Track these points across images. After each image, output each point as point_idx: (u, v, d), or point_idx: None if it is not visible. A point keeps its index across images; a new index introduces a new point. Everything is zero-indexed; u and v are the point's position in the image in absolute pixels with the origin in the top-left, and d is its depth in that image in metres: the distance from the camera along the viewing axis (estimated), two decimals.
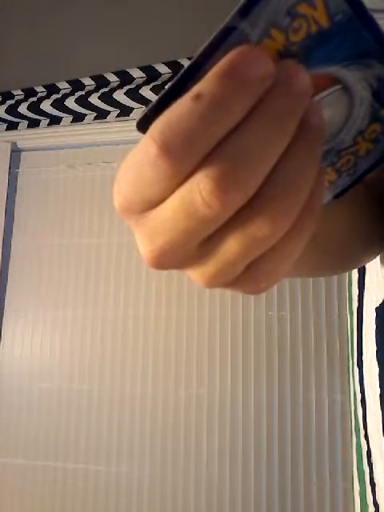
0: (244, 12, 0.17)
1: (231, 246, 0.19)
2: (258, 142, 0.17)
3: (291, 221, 0.19)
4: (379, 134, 0.23)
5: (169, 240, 0.19)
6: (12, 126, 1.63)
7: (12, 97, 1.60)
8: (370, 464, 0.85)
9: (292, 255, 0.21)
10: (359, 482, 1.06)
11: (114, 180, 0.20)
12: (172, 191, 0.18)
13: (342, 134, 0.23)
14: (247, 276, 0.21)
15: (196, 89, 0.17)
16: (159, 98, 0.19)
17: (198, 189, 0.17)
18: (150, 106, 0.19)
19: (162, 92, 0.19)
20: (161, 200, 0.19)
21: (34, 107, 1.53)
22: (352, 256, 0.43)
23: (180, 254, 0.20)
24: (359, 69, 0.20)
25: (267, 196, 0.18)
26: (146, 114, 0.19)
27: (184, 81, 0.18)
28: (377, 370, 0.75)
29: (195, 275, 0.21)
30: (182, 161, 0.17)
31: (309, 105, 0.18)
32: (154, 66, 1.45)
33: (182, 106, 0.17)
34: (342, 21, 0.18)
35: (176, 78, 0.18)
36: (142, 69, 1.46)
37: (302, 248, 0.21)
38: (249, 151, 0.17)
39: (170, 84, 0.19)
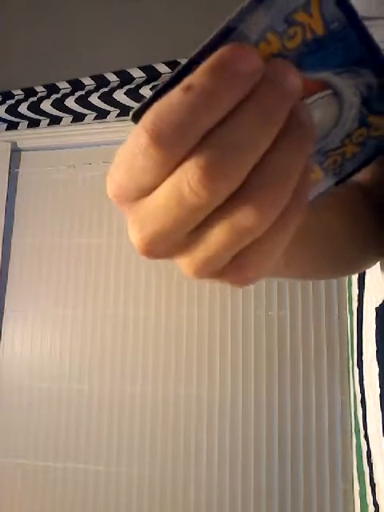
0: (243, 14, 0.18)
1: (218, 235, 0.20)
2: (245, 133, 0.18)
3: (277, 211, 0.19)
4: (365, 138, 0.24)
5: (159, 228, 0.19)
6: (12, 126, 1.63)
7: (12, 97, 1.60)
8: (370, 464, 0.85)
9: (278, 247, 0.21)
10: (359, 482, 1.06)
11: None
12: (163, 180, 0.19)
13: (331, 136, 0.23)
14: (234, 266, 0.21)
15: (187, 81, 0.18)
16: (154, 92, 0.19)
17: (187, 177, 0.18)
18: (145, 99, 0.19)
19: (158, 87, 0.19)
20: (152, 188, 0.19)
21: (34, 107, 1.53)
22: (351, 260, 0.43)
23: (169, 243, 0.20)
24: (351, 76, 0.21)
25: (254, 185, 0.19)
26: (141, 107, 0.19)
27: (180, 77, 0.19)
28: (377, 370, 0.75)
29: (183, 264, 0.21)
30: (171, 150, 0.18)
31: (298, 103, 0.19)
32: (154, 65, 1.45)
33: (172, 97, 0.18)
34: (336, 29, 0.19)
35: (172, 74, 0.19)
36: (142, 69, 1.46)
37: (288, 241, 0.21)
38: (236, 141, 0.18)
39: (165, 79, 0.19)
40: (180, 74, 0.19)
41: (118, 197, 0.20)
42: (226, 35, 0.18)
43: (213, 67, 0.17)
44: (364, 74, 0.21)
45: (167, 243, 0.20)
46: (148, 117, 0.18)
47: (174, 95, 0.18)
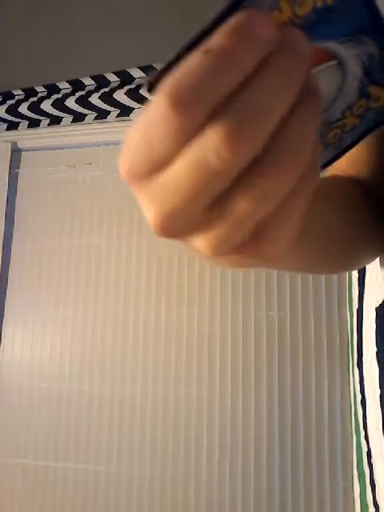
0: None
1: (240, 204, 0.19)
2: (267, 96, 0.18)
3: (298, 175, 0.19)
4: (365, 110, 0.24)
5: (176, 201, 0.19)
6: (12, 126, 1.63)
7: (12, 97, 1.60)
8: (370, 465, 0.85)
9: (296, 216, 0.21)
10: (359, 481, 1.06)
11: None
12: (180, 149, 0.18)
13: (333, 108, 0.24)
14: (253, 239, 0.21)
15: (205, 45, 0.18)
16: (168, 63, 0.19)
17: (210, 142, 0.18)
18: (160, 68, 0.19)
19: (173, 54, 0.19)
20: (168, 160, 0.19)
21: (35, 107, 1.53)
22: (352, 255, 0.43)
23: (187, 218, 0.20)
24: (354, 45, 0.21)
25: (274, 150, 0.19)
26: (155, 78, 0.19)
27: (194, 45, 0.19)
28: (377, 370, 0.75)
29: (201, 242, 0.21)
30: (192, 113, 0.17)
31: (309, 72, 0.19)
32: (154, 66, 1.45)
33: (191, 62, 0.18)
34: None
35: (186, 42, 0.19)
36: (142, 69, 1.46)
37: (304, 210, 0.21)
38: (259, 104, 0.18)
39: (180, 47, 0.19)
40: (194, 42, 0.19)
41: (130, 174, 0.19)
42: (239, 3, 0.18)
43: (232, 30, 0.17)
44: (366, 42, 0.21)
45: (185, 218, 0.20)
46: (167, 82, 0.18)
47: (193, 59, 0.17)
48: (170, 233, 0.20)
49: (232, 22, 0.18)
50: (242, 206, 0.19)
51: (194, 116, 0.17)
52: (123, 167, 0.19)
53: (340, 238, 0.40)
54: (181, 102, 0.17)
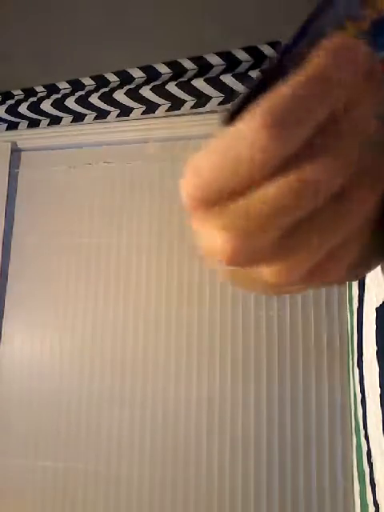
0: (326, 3, 0.19)
1: (318, 232, 0.19)
2: (366, 121, 0.18)
3: (376, 199, 0.19)
4: None
5: (253, 228, 0.18)
6: (12, 126, 1.63)
7: (12, 97, 1.60)
8: (370, 464, 0.85)
9: (363, 241, 0.21)
10: (359, 481, 1.06)
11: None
12: (270, 174, 0.18)
13: None
14: (319, 266, 0.21)
15: (301, 73, 0.17)
16: (252, 88, 0.19)
17: (308, 169, 0.17)
18: (243, 96, 0.19)
19: (255, 82, 0.19)
20: (243, 187, 0.18)
21: (34, 107, 1.53)
22: (366, 262, 0.43)
23: (260, 245, 0.19)
24: None
25: (361, 174, 0.19)
26: (239, 104, 0.19)
27: (276, 70, 0.19)
28: (377, 370, 0.75)
29: (272, 271, 0.20)
30: (287, 140, 0.17)
31: None
32: (154, 66, 1.45)
33: (287, 89, 0.17)
34: None
35: (267, 69, 0.19)
36: (142, 69, 1.46)
37: (368, 235, 0.22)
38: (358, 129, 0.18)
39: (260, 75, 0.19)
40: (274, 68, 0.19)
41: (199, 198, 0.18)
42: (309, 25, 0.19)
43: (329, 58, 0.17)
44: None
45: (258, 246, 0.19)
46: (259, 108, 0.17)
47: (289, 86, 0.17)
48: (241, 261, 0.19)
49: (329, 50, 0.17)
50: (321, 235, 0.19)
51: (288, 143, 0.17)
52: (190, 191, 0.19)
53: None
54: (279, 128, 0.17)
